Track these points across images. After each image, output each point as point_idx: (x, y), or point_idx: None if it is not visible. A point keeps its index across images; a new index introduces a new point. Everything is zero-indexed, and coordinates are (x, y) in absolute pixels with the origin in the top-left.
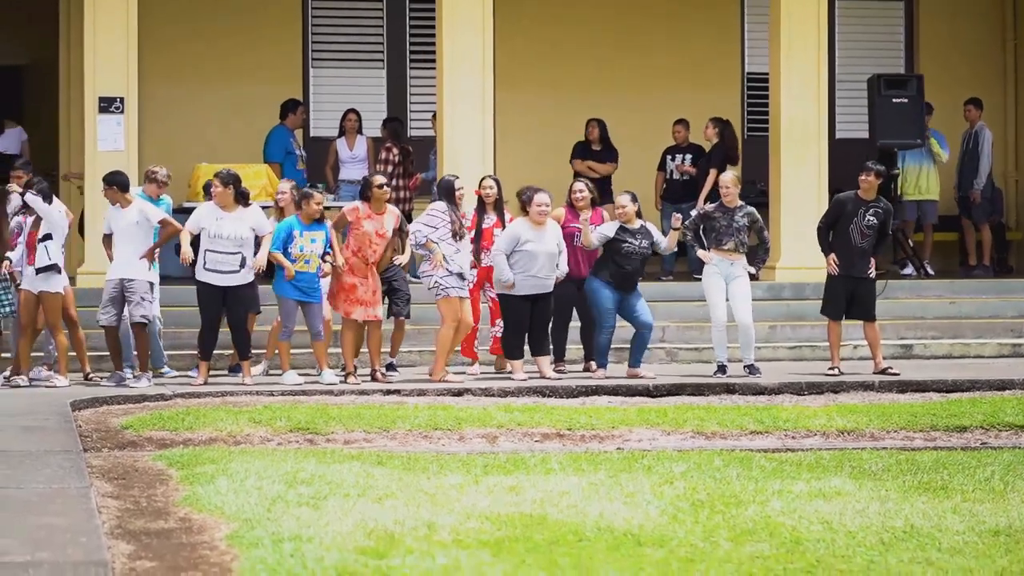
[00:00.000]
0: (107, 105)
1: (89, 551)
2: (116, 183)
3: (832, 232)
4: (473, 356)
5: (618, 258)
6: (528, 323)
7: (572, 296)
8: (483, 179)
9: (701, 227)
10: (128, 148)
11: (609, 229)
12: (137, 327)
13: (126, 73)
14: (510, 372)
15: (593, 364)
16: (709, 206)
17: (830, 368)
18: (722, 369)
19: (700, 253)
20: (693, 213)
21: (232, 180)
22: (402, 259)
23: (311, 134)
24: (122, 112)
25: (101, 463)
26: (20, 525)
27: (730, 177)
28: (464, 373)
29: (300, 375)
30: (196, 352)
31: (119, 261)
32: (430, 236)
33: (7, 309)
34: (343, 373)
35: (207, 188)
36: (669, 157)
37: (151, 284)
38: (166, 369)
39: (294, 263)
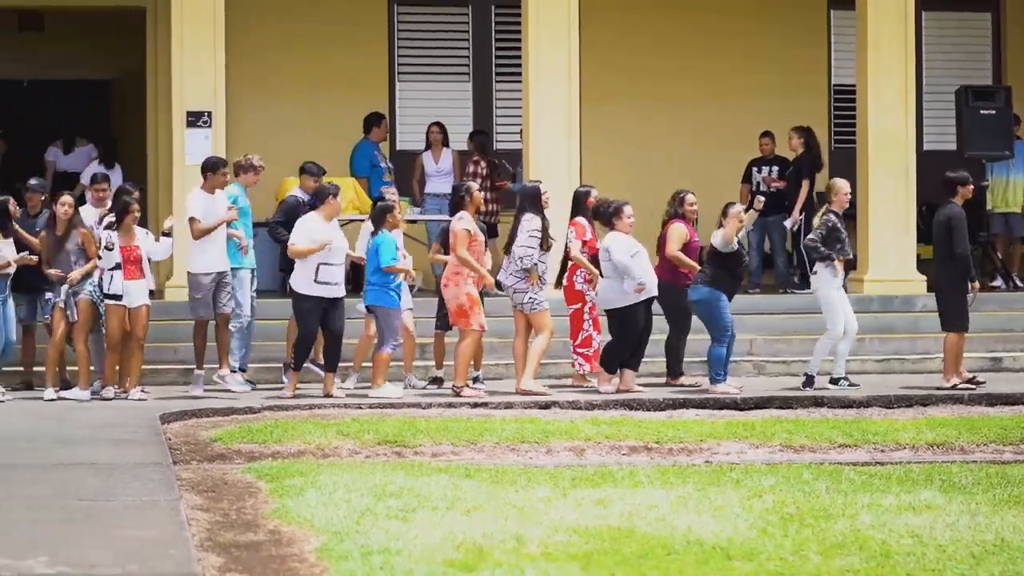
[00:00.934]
0: (195, 119)
1: (179, 564)
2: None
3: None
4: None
5: (738, 269)
6: None
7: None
8: (591, 190)
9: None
10: None
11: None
12: (223, 318)
13: (213, 87)
14: (592, 385)
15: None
16: (833, 216)
17: (968, 380)
18: (811, 381)
19: (836, 267)
20: (794, 227)
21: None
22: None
23: (397, 147)
24: (210, 126)
25: (191, 476)
26: (110, 538)
27: (847, 182)
28: (565, 386)
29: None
30: (281, 365)
31: (220, 253)
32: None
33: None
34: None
35: (319, 194)
36: (755, 169)
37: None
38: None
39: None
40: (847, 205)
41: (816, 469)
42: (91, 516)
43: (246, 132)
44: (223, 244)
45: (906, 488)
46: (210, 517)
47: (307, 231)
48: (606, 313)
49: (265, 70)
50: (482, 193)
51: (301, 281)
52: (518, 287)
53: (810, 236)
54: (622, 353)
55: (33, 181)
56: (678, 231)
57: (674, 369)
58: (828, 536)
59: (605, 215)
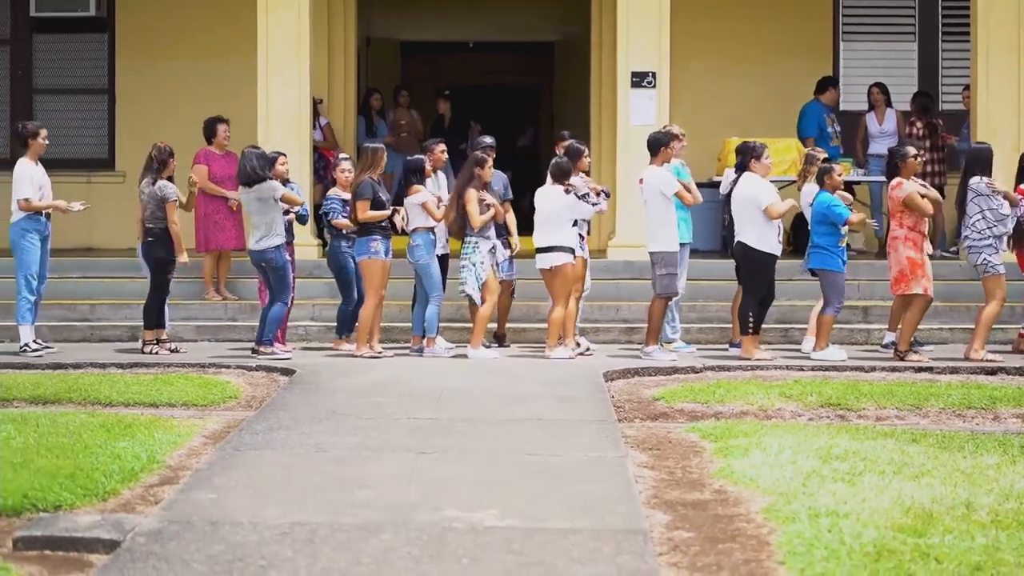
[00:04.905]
0: (639, 80)
1: (627, 520)
2: None
3: None
4: None
5: None
6: None
7: None
8: None
9: None
10: (659, 122)
11: None
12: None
13: (658, 48)
14: None
15: None
16: None
17: None
18: None
19: None
20: None
21: None
22: None
23: (841, 108)
24: (654, 87)
25: (635, 433)
26: (559, 492)
27: None
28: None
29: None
30: (730, 325)
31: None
32: None
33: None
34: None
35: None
36: None
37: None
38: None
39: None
40: None
41: None
42: (540, 470)
43: (689, 93)
44: None
45: None
46: (655, 475)
47: (770, 188)
48: None
49: (709, 30)
50: (922, 156)
51: (767, 240)
52: (973, 248)
53: None
54: None
55: (487, 139)
56: None
57: None
58: None
59: None
